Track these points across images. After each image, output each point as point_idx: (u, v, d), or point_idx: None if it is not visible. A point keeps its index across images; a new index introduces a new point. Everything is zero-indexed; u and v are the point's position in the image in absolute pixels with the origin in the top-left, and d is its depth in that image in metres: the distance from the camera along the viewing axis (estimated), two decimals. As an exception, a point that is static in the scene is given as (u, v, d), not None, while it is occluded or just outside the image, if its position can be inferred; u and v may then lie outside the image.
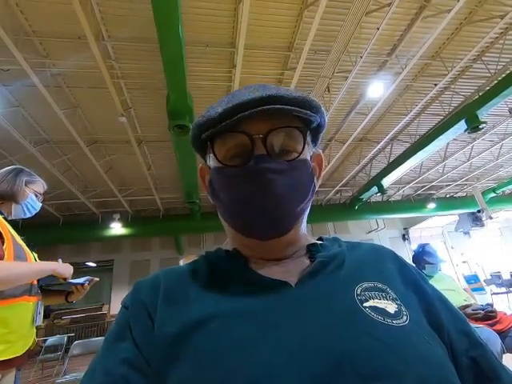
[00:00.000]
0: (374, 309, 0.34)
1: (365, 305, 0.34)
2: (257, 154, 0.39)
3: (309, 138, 0.46)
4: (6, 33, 3.22)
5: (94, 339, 3.63)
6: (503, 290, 7.21)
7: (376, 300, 0.36)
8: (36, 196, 1.36)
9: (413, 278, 0.43)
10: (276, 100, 0.39)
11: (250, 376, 0.28)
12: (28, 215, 1.35)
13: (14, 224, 1.31)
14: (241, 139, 0.40)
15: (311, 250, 0.45)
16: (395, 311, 0.35)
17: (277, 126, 0.40)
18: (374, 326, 0.32)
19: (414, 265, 0.48)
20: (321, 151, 0.50)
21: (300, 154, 0.42)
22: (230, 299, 0.36)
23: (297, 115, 0.41)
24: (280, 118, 0.40)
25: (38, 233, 7.19)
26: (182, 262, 2.41)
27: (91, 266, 10.50)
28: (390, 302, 0.36)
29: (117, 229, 8.29)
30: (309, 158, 0.45)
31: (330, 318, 0.33)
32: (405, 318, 0.34)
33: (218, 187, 0.44)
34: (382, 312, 0.34)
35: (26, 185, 1.31)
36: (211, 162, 0.46)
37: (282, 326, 0.32)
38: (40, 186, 1.39)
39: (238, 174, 0.41)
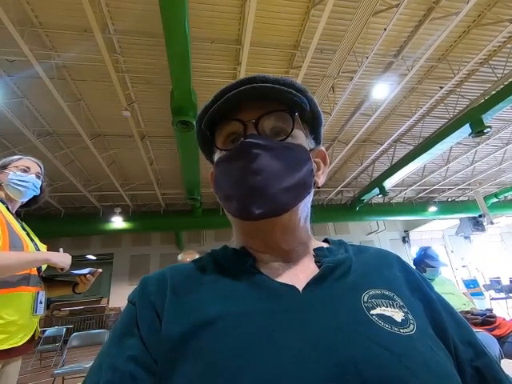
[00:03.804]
0: (381, 317, 0.34)
1: (372, 312, 0.34)
2: (247, 134, 0.42)
3: (306, 131, 0.47)
4: (13, 24, 3.22)
5: (92, 331, 3.65)
6: (502, 295, 7.20)
7: (383, 308, 0.35)
8: (24, 171, 1.32)
9: (418, 283, 0.43)
10: (261, 80, 0.42)
11: (258, 377, 0.28)
12: (28, 193, 1.31)
13: (17, 214, 1.31)
14: (235, 126, 0.43)
15: (317, 254, 0.44)
16: (402, 319, 0.34)
17: (267, 111, 0.42)
18: (380, 335, 0.32)
19: (414, 267, 0.48)
20: (323, 148, 0.51)
21: (288, 135, 0.43)
22: (237, 300, 0.36)
23: (284, 101, 0.43)
24: (269, 104, 0.42)
25: (39, 224, 7.23)
26: (180, 257, 2.41)
27: (91, 259, 10.55)
28: (396, 309, 0.36)
29: (117, 223, 8.32)
30: (306, 147, 0.45)
31: (337, 325, 0.33)
32: (412, 326, 0.34)
33: (218, 177, 0.45)
34: (389, 320, 0.34)
35: (3, 168, 1.30)
36: (215, 157, 0.48)
37: (289, 331, 0.32)
38: (23, 161, 1.35)
39: (230, 155, 0.43)
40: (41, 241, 1.37)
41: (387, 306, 0.36)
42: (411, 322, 0.35)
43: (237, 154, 0.41)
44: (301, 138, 0.45)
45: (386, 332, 0.32)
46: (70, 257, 1.28)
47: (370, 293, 0.37)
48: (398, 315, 0.35)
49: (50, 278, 1.38)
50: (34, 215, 7.22)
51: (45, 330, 5.33)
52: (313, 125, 0.48)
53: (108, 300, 9.53)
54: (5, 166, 1.31)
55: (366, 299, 0.36)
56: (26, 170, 1.33)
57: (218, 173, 0.45)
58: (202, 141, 0.49)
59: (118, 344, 0.36)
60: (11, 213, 1.26)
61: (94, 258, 10.47)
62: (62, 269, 1.23)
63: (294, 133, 0.43)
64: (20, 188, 1.29)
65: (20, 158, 1.36)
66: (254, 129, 0.42)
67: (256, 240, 0.44)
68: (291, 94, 0.42)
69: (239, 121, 0.42)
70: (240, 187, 0.40)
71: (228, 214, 0.46)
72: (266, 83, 0.41)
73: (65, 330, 5.25)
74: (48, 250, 1.36)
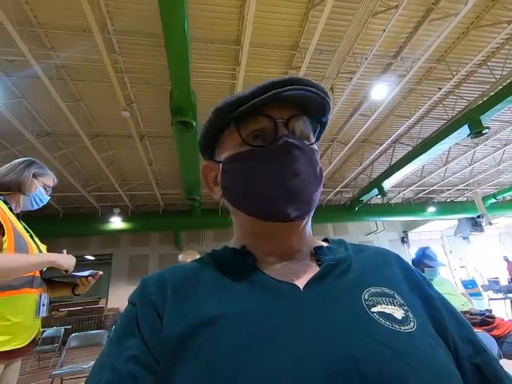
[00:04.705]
0: (382, 314, 0.34)
1: (372, 310, 0.34)
2: (283, 133, 0.41)
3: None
4: (12, 24, 3.22)
5: (91, 332, 3.64)
6: (500, 295, 7.21)
7: (383, 305, 0.35)
8: (45, 189, 1.36)
9: (417, 282, 0.43)
10: (304, 83, 0.40)
11: (258, 376, 0.28)
12: (36, 207, 1.35)
13: (17, 215, 1.31)
14: (263, 123, 0.41)
15: (318, 252, 0.44)
16: (402, 317, 0.35)
17: (297, 113, 0.42)
18: (381, 332, 0.32)
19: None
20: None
21: (313, 143, 0.44)
22: (238, 299, 0.36)
23: (312, 107, 0.42)
24: (297, 107, 0.42)
25: (38, 225, 7.16)
26: (180, 257, 2.41)
27: (90, 260, 10.52)
28: (397, 307, 0.36)
29: (116, 223, 8.30)
30: (318, 153, 0.46)
31: (337, 323, 0.33)
32: (412, 324, 0.34)
33: (238, 173, 0.43)
34: (390, 318, 0.34)
35: (35, 177, 1.32)
36: (227, 151, 0.45)
37: (289, 329, 0.32)
38: (50, 179, 1.40)
39: (266, 151, 0.41)
40: (40, 241, 1.37)
41: (388, 304, 0.36)
42: (411, 319, 0.35)
43: (278, 152, 0.40)
44: (315, 145, 0.46)
45: (386, 329, 0.32)
46: (75, 258, 1.28)
47: (371, 291, 0.37)
48: (398, 313, 0.35)
49: (50, 279, 1.37)
50: (32, 215, 7.12)
51: (43, 331, 5.31)
52: (319, 131, 0.48)
53: (107, 300, 9.51)
54: (36, 176, 1.33)
55: (366, 297, 0.36)
56: (46, 189, 1.37)
57: (240, 168, 0.42)
58: (212, 132, 0.46)
59: (119, 344, 0.36)
60: (14, 214, 1.26)
61: (92, 258, 10.44)
62: (66, 270, 1.23)
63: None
64: (35, 205, 1.34)
65: (48, 174, 1.39)
66: (286, 129, 0.41)
67: (266, 242, 0.43)
68: (326, 103, 0.42)
69: (269, 118, 0.41)
70: (278, 187, 0.39)
71: (239, 213, 0.45)
72: (311, 87, 0.40)
73: (63, 330, 5.23)
74: (48, 250, 1.36)
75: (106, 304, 9.39)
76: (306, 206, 0.41)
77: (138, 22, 3.70)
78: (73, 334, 3.25)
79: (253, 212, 0.42)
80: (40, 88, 4.30)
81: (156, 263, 9.96)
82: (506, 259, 9.55)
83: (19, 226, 1.22)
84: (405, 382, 0.28)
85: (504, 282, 8.85)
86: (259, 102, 0.39)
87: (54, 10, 3.49)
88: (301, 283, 0.38)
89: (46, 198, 1.38)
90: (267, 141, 0.41)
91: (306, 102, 0.42)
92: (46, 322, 7.80)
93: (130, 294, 0.42)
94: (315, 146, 0.45)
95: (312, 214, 0.45)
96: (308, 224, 0.46)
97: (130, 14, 3.61)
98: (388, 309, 0.35)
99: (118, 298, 9.13)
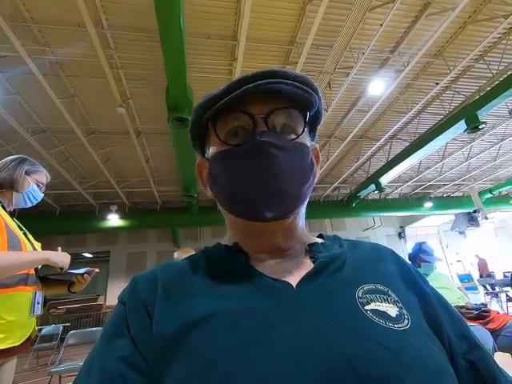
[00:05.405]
0: (376, 312, 0.34)
1: (366, 308, 0.34)
2: (260, 130, 0.39)
3: (306, 129, 0.45)
4: (4, 18, 3.16)
5: (89, 329, 3.64)
6: (496, 289, 7.30)
7: (377, 303, 0.35)
8: (38, 186, 1.35)
9: (412, 278, 0.43)
10: (279, 75, 0.39)
11: (252, 374, 0.28)
12: (29, 205, 1.34)
13: (11, 213, 1.30)
14: (242, 120, 0.40)
15: (312, 249, 0.44)
16: (396, 314, 0.34)
17: (278, 107, 0.40)
18: (375, 330, 0.32)
19: (410, 262, 0.48)
20: (317, 145, 0.50)
21: (299, 135, 0.42)
22: (230, 297, 0.36)
23: (296, 99, 0.41)
24: (280, 99, 0.40)
25: (34, 222, 7.16)
26: (176, 255, 2.41)
27: (87, 257, 10.51)
28: (391, 304, 0.36)
29: (114, 220, 8.28)
30: (309, 147, 0.44)
31: (331, 321, 0.32)
32: (406, 321, 0.34)
33: (219, 173, 0.43)
34: (384, 315, 0.34)
35: (28, 174, 1.31)
36: (211, 149, 0.45)
37: (283, 327, 0.32)
38: (43, 176, 1.39)
39: (241, 151, 0.40)
40: (36, 239, 1.36)
41: (382, 301, 0.35)
42: (405, 316, 0.35)
43: (252, 152, 0.39)
44: (306, 137, 0.44)
45: (380, 327, 0.32)
46: (69, 256, 1.27)
47: (365, 288, 0.37)
48: (392, 310, 0.35)
49: (46, 276, 1.37)
50: (28, 213, 7.12)
51: (41, 329, 5.30)
52: (313, 123, 0.47)
53: (105, 298, 9.52)
54: (28, 173, 1.32)
55: (360, 294, 0.36)
56: (39, 186, 1.36)
57: (219, 168, 0.42)
58: (197, 131, 0.46)
59: (108, 345, 0.35)
60: (7, 212, 1.25)
61: (90, 255, 10.42)
62: (61, 268, 1.22)
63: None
64: (28, 202, 1.32)
65: (40, 171, 1.38)
66: (264, 124, 0.39)
67: (254, 240, 0.43)
68: (308, 94, 0.41)
69: (248, 114, 0.39)
70: (252, 188, 0.39)
71: (226, 212, 0.45)
72: (287, 79, 0.39)
73: (61, 328, 5.22)
74: (43, 248, 1.35)
75: (105, 301, 9.40)
76: (289, 205, 0.40)
77: (133, 16, 3.66)
78: (71, 332, 3.25)
79: (234, 211, 0.42)
80: (34, 84, 4.25)
81: (154, 260, 9.97)
82: (478, 257, 9.96)
83: (12, 224, 1.21)
84: (399, 381, 0.28)
85: (499, 275, 8.96)
86: (233, 99, 0.38)
87: (47, 4, 3.43)
88: (294, 281, 0.37)
89: (40, 195, 1.37)
90: (246, 138, 0.40)
91: (289, 95, 0.40)
92: (45, 320, 7.79)
93: (121, 292, 0.41)
94: (303, 139, 0.43)
95: (302, 210, 0.44)
96: (298, 221, 0.44)
97: (125, 9, 3.56)
98: (382, 306, 0.35)
99: (116, 295, 8.89)
